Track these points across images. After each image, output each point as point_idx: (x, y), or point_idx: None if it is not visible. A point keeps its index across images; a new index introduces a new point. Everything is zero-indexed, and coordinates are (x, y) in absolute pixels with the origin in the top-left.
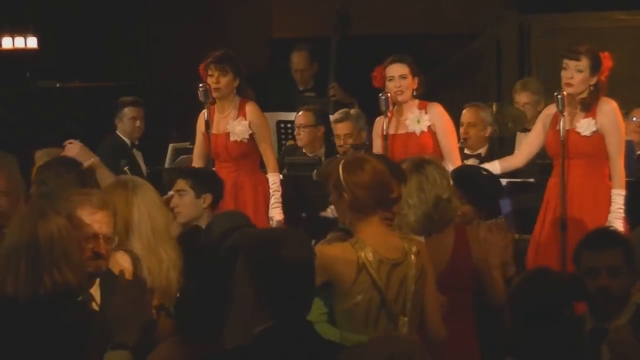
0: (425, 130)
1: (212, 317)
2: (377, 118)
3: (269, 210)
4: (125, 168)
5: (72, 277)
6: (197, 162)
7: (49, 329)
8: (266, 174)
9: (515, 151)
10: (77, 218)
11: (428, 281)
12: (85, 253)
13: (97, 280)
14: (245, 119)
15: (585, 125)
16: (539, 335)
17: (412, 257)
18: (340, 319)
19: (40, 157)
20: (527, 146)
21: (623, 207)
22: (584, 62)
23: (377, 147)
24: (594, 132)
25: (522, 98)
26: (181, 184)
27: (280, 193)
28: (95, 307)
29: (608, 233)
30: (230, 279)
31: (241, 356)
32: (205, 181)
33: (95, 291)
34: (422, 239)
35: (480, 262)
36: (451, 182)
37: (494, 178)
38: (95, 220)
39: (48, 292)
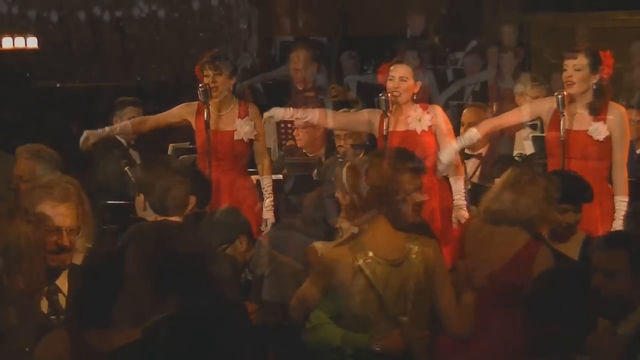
0: (426, 129)
1: (103, 306)
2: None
3: (263, 212)
4: (126, 168)
5: (22, 284)
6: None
7: None
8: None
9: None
10: (41, 213)
11: (437, 280)
12: (49, 246)
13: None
14: (251, 120)
15: (599, 129)
16: (548, 329)
17: (413, 256)
18: (345, 319)
19: (21, 153)
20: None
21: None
22: (582, 60)
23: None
24: (606, 137)
25: (533, 92)
26: None
27: (273, 196)
28: (62, 298)
29: (614, 235)
30: (122, 270)
31: (139, 347)
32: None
33: (63, 282)
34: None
35: None
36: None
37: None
38: (58, 213)
39: None
